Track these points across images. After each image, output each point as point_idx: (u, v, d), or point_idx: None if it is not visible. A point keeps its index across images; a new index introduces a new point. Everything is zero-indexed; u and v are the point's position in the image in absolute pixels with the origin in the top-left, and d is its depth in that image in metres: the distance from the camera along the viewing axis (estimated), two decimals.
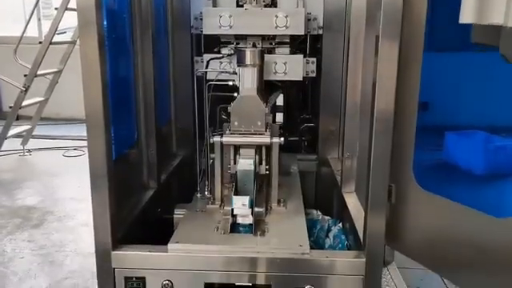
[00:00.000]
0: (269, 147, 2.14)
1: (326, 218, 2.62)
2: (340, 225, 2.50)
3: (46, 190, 4.99)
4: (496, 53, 1.34)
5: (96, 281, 1.78)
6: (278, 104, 3.02)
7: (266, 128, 2.16)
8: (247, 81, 2.13)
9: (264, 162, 2.16)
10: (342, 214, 2.40)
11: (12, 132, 5.67)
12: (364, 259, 1.72)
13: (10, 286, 3.13)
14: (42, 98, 5.80)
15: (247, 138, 2.14)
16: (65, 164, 5.76)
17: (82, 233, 3.86)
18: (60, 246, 3.66)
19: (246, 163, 2.07)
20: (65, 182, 5.12)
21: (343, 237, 2.39)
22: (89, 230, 3.89)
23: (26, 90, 5.28)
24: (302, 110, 3.38)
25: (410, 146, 1.71)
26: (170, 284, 1.78)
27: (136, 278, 1.79)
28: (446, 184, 1.85)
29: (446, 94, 2.11)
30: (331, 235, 2.49)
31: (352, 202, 2.24)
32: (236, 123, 2.15)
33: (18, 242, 3.75)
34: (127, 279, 1.79)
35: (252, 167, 2.07)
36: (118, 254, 1.78)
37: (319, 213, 2.65)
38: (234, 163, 2.17)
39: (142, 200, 2.22)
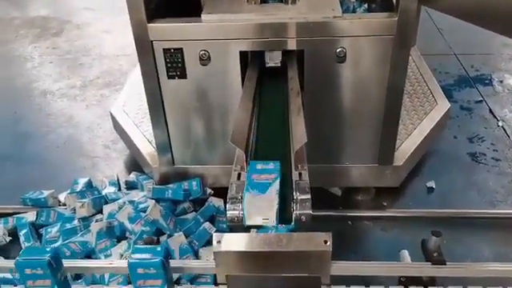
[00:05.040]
0: None
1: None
2: (366, 5, 2.47)
3: (57, 0, 4.87)
4: None
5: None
6: None
7: None
8: None
9: None
10: None
11: None
12: (396, 18, 1.74)
13: (47, 85, 3.31)
14: None
15: None
16: None
17: (105, 38, 3.89)
18: (85, 51, 3.74)
19: None
20: None
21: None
22: (110, 36, 3.94)
23: None
24: None
25: None
26: (206, 54, 1.86)
27: (174, 49, 1.86)
28: None
29: None
30: None
31: None
32: None
33: (42, 49, 3.82)
34: (165, 51, 1.87)
35: None
36: (153, 26, 1.82)
37: None
38: None
39: None
